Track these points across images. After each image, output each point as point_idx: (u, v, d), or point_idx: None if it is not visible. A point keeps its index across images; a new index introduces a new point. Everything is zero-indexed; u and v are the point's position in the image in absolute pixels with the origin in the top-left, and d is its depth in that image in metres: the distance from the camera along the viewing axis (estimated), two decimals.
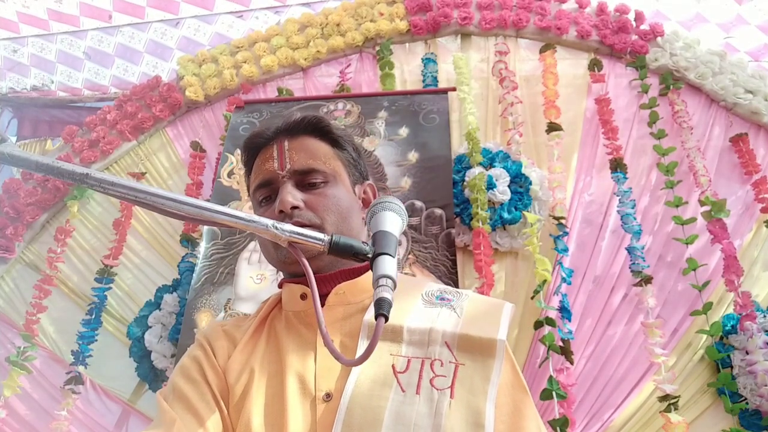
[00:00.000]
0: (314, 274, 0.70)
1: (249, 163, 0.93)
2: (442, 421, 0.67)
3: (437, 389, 0.70)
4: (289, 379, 0.74)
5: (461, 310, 0.80)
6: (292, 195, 0.82)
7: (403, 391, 0.70)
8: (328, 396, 0.72)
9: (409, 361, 0.73)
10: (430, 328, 0.76)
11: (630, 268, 2.30)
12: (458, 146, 2.61)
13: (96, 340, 2.56)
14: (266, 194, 0.86)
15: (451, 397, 0.69)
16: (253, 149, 0.91)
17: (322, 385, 0.73)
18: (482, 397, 0.70)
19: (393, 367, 0.72)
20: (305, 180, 0.85)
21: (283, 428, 0.69)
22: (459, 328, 0.76)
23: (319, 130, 0.90)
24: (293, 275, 0.86)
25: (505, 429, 0.70)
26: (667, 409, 1.99)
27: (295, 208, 0.81)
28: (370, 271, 0.83)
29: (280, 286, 0.88)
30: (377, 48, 3.09)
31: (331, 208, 0.83)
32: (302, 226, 0.77)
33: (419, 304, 0.82)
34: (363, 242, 0.70)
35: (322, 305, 0.80)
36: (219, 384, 0.77)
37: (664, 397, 2.02)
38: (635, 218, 2.37)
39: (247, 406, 0.73)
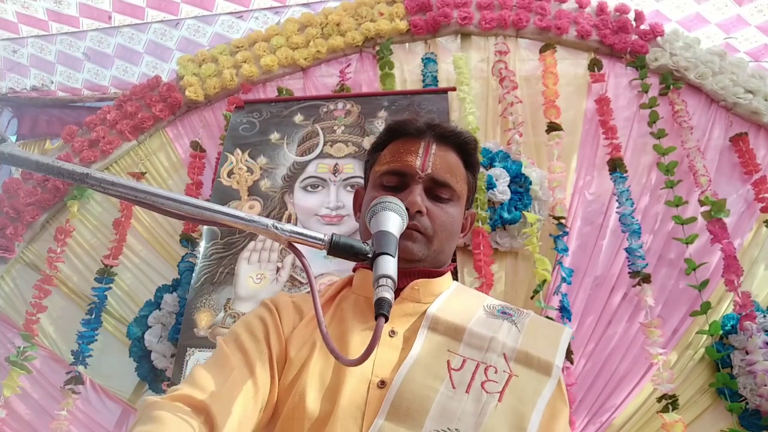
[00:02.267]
0: (407, 260, 0.78)
1: (385, 142, 0.94)
2: (485, 420, 0.70)
3: (487, 392, 0.72)
4: (348, 356, 0.76)
5: (522, 326, 0.82)
6: (422, 198, 0.85)
7: (454, 387, 0.73)
8: (382, 383, 0.74)
9: (464, 360, 0.76)
10: (491, 336, 0.79)
11: (628, 268, 2.30)
12: None
13: (96, 340, 2.56)
14: (395, 183, 0.88)
15: (499, 401, 0.72)
16: (398, 133, 0.93)
17: (378, 372, 0.75)
18: (530, 406, 0.72)
19: (448, 362, 0.76)
20: (436, 190, 0.88)
21: (335, 404, 0.72)
22: (519, 343, 0.79)
23: (466, 150, 0.93)
24: None
25: (540, 429, 0.73)
26: (665, 409, 1.99)
27: (419, 212, 0.84)
28: (448, 274, 0.90)
29: (355, 270, 0.93)
30: (377, 48, 3.09)
31: (446, 225, 0.87)
32: (416, 230, 0.84)
33: (481, 313, 0.84)
34: (364, 242, 0.71)
35: (396, 297, 0.83)
36: (279, 350, 0.80)
37: (662, 397, 2.02)
38: (634, 219, 2.37)
39: (304, 377, 0.76)
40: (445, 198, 0.88)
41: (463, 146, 0.92)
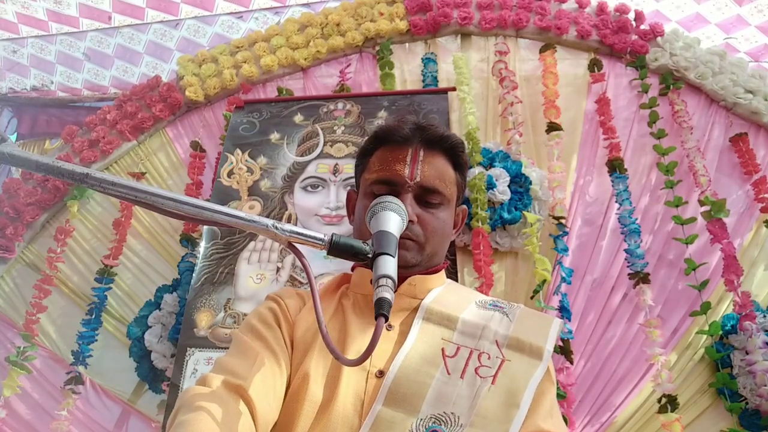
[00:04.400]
0: (401, 267, 0.76)
1: (372, 149, 0.95)
2: (479, 402, 0.72)
3: (480, 377, 0.75)
4: (348, 351, 0.79)
5: (513, 316, 0.85)
6: (412, 207, 0.86)
7: (449, 373, 0.75)
8: (380, 373, 0.77)
9: (458, 348, 0.79)
10: (484, 325, 0.82)
11: (628, 268, 2.30)
12: None
13: (96, 340, 2.56)
14: (385, 192, 0.87)
15: (492, 383, 0.74)
16: (385, 140, 0.93)
17: (376, 363, 0.78)
18: (522, 385, 0.75)
19: (443, 350, 0.78)
20: (426, 197, 0.88)
21: (336, 391, 0.75)
22: (510, 331, 0.81)
23: (454, 153, 0.93)
24: None
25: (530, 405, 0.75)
26: (662, 410, 1.99)
27: (410, 221, 0.85)
28: (442, 272, 0.93)
29: (353, 269, 0.95)
30: (377, 48, 3.09)
31: (438, 231, 0.89)
32: (409, 239, 0.85)
33: (473, 306, 0.87)
34: (363, 242, 0.72)
35: (394, 293, 0.84)
36: (289, 333, 0.85)
37: (661, 397, 2.02)
38: (633, 219, 2.37)
39: (308, 361, 0.79)
40: (435, 203, 0.89)
41: (452, 150, 0.92)
